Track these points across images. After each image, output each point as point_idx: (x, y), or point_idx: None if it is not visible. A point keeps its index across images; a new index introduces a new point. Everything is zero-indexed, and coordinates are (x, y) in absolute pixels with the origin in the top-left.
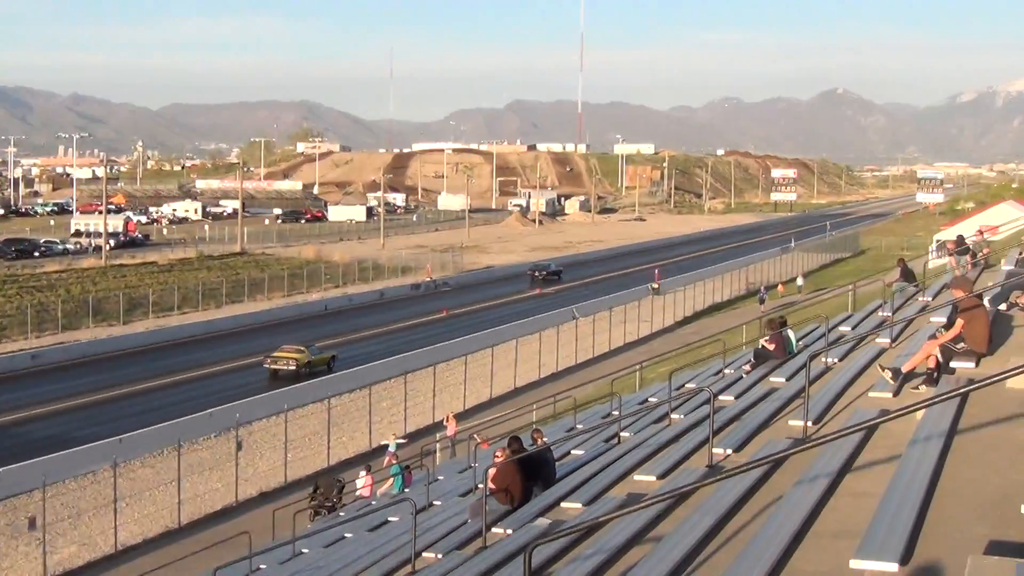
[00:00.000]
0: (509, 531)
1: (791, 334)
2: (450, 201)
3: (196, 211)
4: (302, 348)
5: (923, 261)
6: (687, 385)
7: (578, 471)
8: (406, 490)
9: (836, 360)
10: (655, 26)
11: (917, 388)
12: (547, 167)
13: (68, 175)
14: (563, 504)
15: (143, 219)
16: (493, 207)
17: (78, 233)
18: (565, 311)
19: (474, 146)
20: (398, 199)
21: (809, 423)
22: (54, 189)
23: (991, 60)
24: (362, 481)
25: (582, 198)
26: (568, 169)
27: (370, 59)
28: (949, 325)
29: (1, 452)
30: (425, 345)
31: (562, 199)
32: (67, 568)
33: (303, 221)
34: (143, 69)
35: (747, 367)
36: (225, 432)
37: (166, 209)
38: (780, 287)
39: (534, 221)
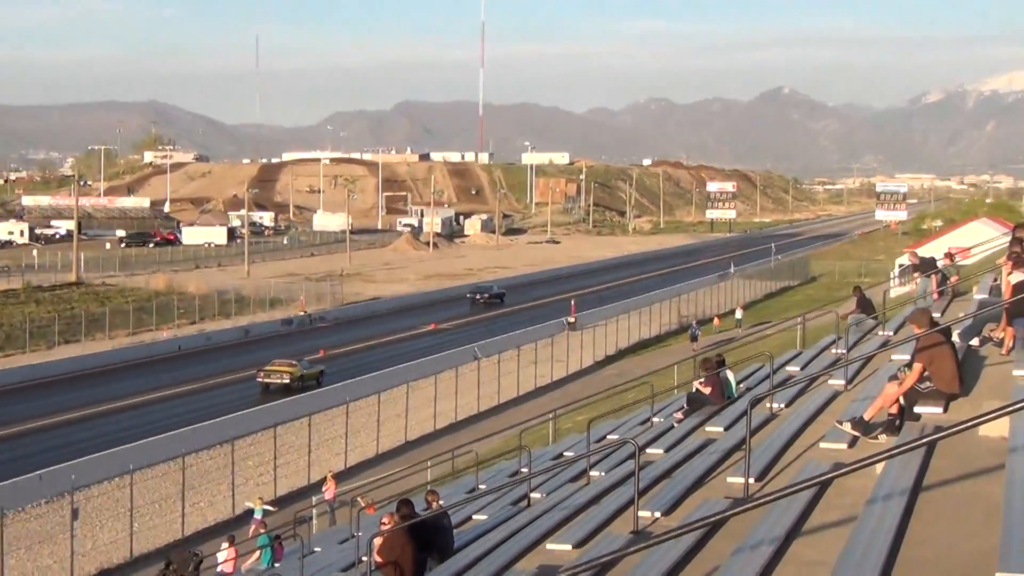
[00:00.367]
0: None
1: (730, 375)
2: (328, 220)
3: (22, 233)
4: (294, 362)
5: (883, 289)
6: (609, 436)
7: (481, 539)
8: (276, 565)
9: (782, 405)
10: (568, 15)
11: (876, 437)
12: (443, 180)
13: None
14: None
15: None
16: (379, 227)
17: None
18: (465, 350)
19: (356, 155)
20: (265, 218)
21: (751, 480)
22: None
23: (961, 55)
24: (224, 555)
25: (484, 217)
26: (473, 192)
27: (232, 52)
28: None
29: None
30: (298, 392)
31: (461, 218)
32: None
33: (151, 245)
34: None
35: (679, 415)
36: (58, 497)
37: None
38: (716, 320)
39: (428, 244)
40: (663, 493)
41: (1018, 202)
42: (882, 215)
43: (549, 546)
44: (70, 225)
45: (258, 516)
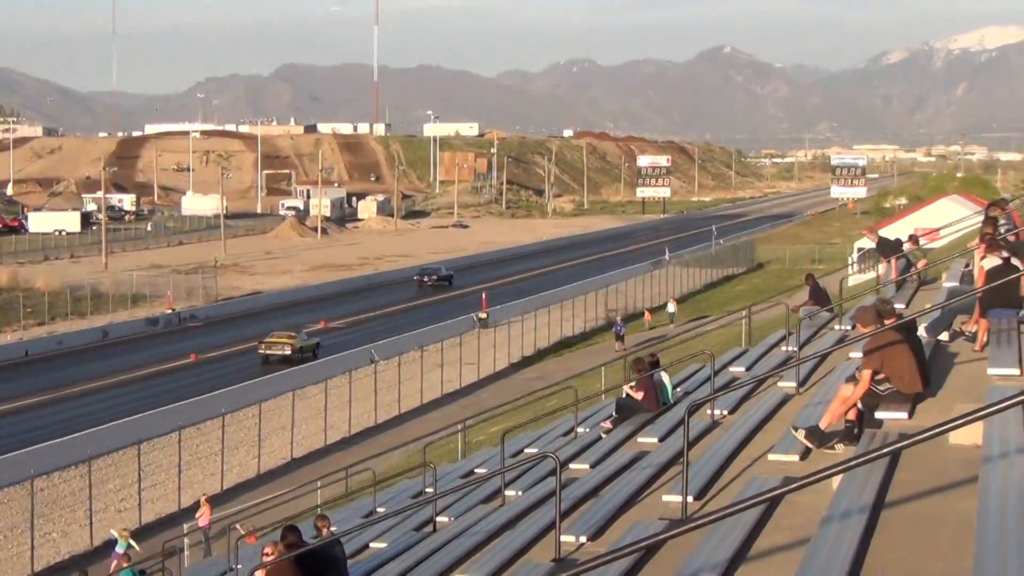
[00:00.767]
0: None
1: (665, 378)
2: (199, 203)
3: None
4: (292, 334)
5: (840, 277)
6: (526, 450)
7: (379, 571)
8: None
9: (725, 412)
10: None
11: (832, 447)
12: (332, 155)
13: None
14: None
15: None
16: (259, 211)
17: None
18: (360, 352)
19: (231, 127)
20: (126, 201)
21: (690, 498)
22: None
23: (927, 8)
24: None
25: (381, 198)
26: (372, 177)
27: (84, 9)
28: None
29: None
30: (166, 403)
31: (354, 199)
32: None
33: None
34: None
35: (607, 424)
36: None
37: None
38: (647, 315)
39: (315, 230)
40: (589, 514)
41: (993, 176)
42: (838, 192)
43: None
44: None
45: (120, 548)
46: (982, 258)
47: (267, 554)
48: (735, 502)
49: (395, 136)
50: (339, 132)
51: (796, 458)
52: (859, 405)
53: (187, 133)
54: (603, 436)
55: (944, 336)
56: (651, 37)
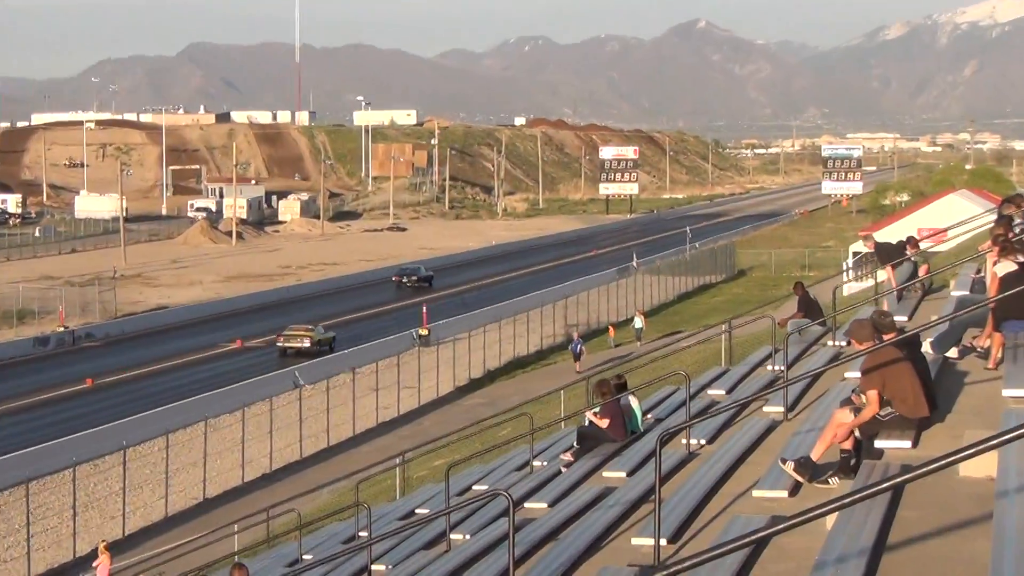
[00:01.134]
0: None
1: (634, 403)
2: (95, 204)
3: None
4: (310, 327)
5: (833, 286)
6: (475, 487)
7: None
8: None
9: (703, 442)
10: None
11: (826, 482)
12: (249, 148)
13: None
14: None
15: None
16: (164, 213)
17: None
18: (283, 375)
19: (132, 116)
20: (10, 202)
21: (663, 541)
22: None
23: None
24: None
25: (305, 197)
26: (296, 176)
27: None
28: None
29: None
30: (58, 435)
31: (274, 198)
32: None
33: None
34: None
35: (567, 456)
36: None
37: None
38: (610, 331)
39: (229, 234)
40: (548, 561)
41: (1007, 168)
42: (830, 187)
43: None
44: None
45: None
46: (995, 263)
47: None
48: (715, 545)
49: (321, 126)
50: (256, 121)
51: (785, 494)
52: (856, 433)
53: (81, 123)
54: (563, 470)
55: (952, 352)
56: (615, 10)
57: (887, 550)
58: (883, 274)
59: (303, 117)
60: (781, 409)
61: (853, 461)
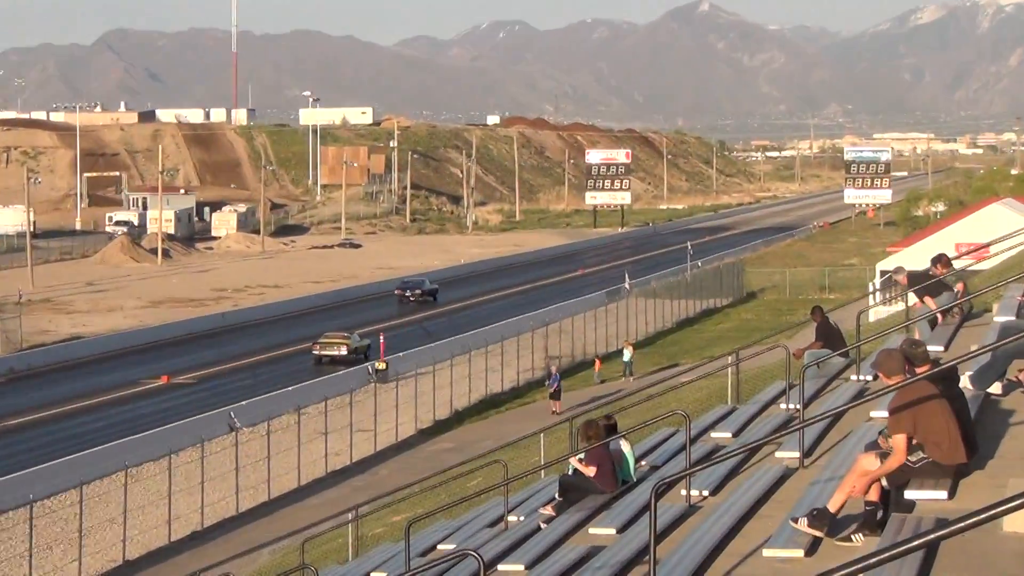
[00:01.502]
0: None
1: (625, 448)
2: None
3: None
4: (347, 334)
5: (858, 311)
6: (440, 546)
7: None
8: None
9: (706, 493)
10: None
11: (849, 539)
12: (178, 151)
13: None
14: None
15: None
16: (78, 227)
17: None
18: (217, 416)
19: (40, 115)
20: None
21: None
22: None
23: None
24: None
25: (243, 208)
26: (232, 184)
27: None
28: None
29: None
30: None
31: (207, 210)
32: None
33: None
34: None
35: (548, 510)
36: None
37: None
38: (597, 364)
39: (155, 252)
40: None
41: None
42: (854, 196)
43: None
44: None
45: None
46: None
47: None
48: None
49: (261, 126)
50: (186, 121)
51: (800, 553)
52: (883, 483)
53: None
54: (542, 526)
55: (996, 388)
56: None
57: None
58: (914, 297)
59: (240, 116)
60: (796, 454)
61: (880, 515)
